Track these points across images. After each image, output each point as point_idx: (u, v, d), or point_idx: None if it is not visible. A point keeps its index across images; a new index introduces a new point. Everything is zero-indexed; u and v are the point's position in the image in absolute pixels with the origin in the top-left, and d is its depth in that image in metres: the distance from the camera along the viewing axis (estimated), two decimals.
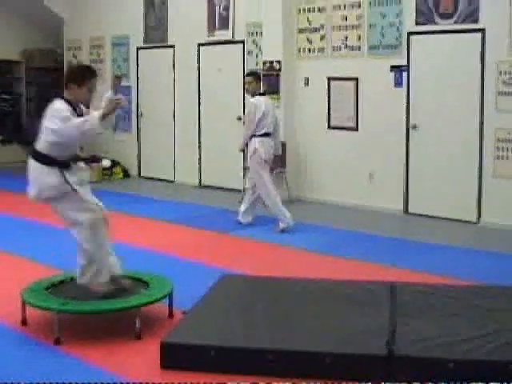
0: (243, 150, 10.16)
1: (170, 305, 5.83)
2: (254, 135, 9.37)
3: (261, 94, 9.63)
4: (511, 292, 6.02)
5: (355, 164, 10.83)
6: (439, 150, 9.92)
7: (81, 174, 5.96)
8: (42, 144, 5.60)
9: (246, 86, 9.70)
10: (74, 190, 5.63)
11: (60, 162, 5.63)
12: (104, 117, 5.43)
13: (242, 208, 9.74)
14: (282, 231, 9.26)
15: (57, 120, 5.43)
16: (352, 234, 9.20)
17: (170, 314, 5.83)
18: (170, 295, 5.78)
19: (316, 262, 7.86)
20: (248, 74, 9.87)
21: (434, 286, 6.19)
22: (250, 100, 9.54)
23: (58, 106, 5.53)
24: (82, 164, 6.07)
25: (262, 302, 5.78)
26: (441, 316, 5.28)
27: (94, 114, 5.48)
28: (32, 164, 5.72)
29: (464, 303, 5.54)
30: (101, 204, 5.92)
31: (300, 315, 5.44)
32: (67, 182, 5.61)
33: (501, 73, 9.29)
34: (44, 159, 5.61)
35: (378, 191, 10.59)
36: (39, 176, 5.68)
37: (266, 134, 9.41)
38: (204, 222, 9.94)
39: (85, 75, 5.71)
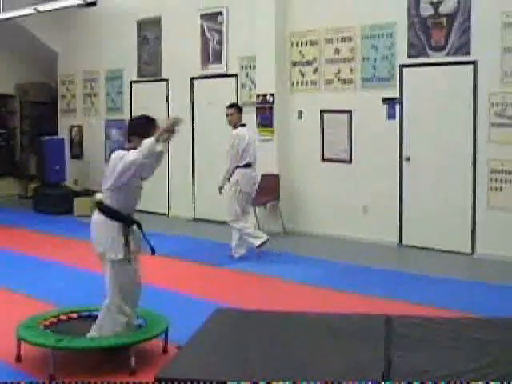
0: (222, 187, 9.78)
1: (165, 340, 5.80)
2: (236, 166, 9.50)
3: (242, 126, 9.72)
4: (507, 324, 6.00)
5: (349, 196, 10.84)
6: (433, 181, 9.94)
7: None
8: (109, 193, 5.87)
9: (228, 118, 9.76)
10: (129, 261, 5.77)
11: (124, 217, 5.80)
12: (159, 138, 5.49)
13: (233, 243, 9.75)
14: (231, 257, 9.65)
15: (130, 155, 5.51)
16: (346, 267, 9.18)
17: (165, 350, 5.79)
18: (165, 331, 5.75)
19: (310, 295, 7.84)
20: (229, 106, 9.93)
21: (430, 318, 6.15)
22: (234, 132, 9.62)
23: (123, 152, 5.61)
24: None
25: (257, 335, 5.74)
26: (437, 348, 5.25)
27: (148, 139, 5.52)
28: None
29: (460, 335, 5.51)
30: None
31: (295, 349, 5.40)
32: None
33: (493, 104, 9.34)
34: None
35: (372, 223, 10.59)
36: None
37: (248, 165, 9.56)
38: (198, 255, 9.91)
39: (149, 128, 5.69)
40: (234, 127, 9.65)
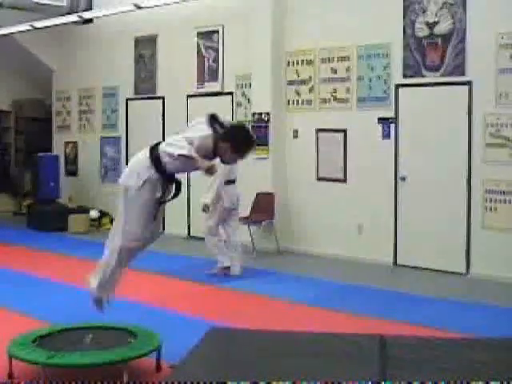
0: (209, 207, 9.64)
1: (158, 358, 5.76)
2: None
3: None
4: (502, 344, 5.98)
5: (344, 216, 10.84)
6: (428, 201, 9.94)
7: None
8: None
9: None
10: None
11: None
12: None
13: (232, 262, 9.78)
14: (222, 269, 9.72)
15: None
16: (341, 286, 9.16)
17: (158, 368, 5.76)
18: (158, 349, 5.71)
19: (305, 314, 7.81)
20: None
21: (424, 338, 6.13)
22: None
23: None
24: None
25: (251, 355, 5.71)
26: (431, 369, 5.23)
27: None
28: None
29: (455, 356, 5.49)
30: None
31: (288, 368, 5.37)
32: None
33: (488, 125, 9.37)
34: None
35: (367, 243, 10.58)
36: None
37: (232, 181, 9.63)
38: (193, 273, 9.88)
39: (246, 148, 5.76)
40: None
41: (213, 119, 5.70)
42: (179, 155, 5.47)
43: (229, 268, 9.73)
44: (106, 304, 6.05)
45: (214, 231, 9.75)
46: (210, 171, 5.63)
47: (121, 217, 5.85)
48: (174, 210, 13.11)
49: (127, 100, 14.26)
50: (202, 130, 5.65)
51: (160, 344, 5.75)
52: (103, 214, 14.32)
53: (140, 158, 5.89)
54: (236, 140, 5.67)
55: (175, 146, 5.52)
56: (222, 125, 5.70)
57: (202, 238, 12.34)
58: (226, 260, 9.74)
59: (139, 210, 5.78)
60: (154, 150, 5.78)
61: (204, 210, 9.59)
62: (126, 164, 13.56)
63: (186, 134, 5.66)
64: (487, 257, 9.44)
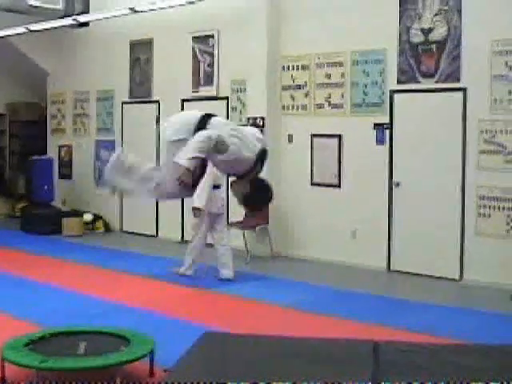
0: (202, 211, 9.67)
1: (151, 362, 5.75)
2: None
3: None
4: (495, 351, 5.99)
5: (338, 221, 10.84)
6: (422, 207, 9.96)
7: None
8: None
9: None
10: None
11: None
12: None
13: (219, 264, 9.87)
14: (177, 273, 9.90)
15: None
16: (335, 291, 9.16)
17: (151, 373, 5.75)
18: (151, 353, 5.71)
19: (298, 320, 7.81)
20: None
21: (418, 344, 6.14)
22: None
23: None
24: None
25: (245, 360, 5.71)
26: (425, 375, 5.23)
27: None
28: None
29: (448, 362, 5.50)
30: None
31: (282, 374, 5.37)
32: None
33: (482, 131, 9.39)
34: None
35: (361, 248, 10.59)
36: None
37: (218, 187, 9.79)
38: (187, 278, 9.87)
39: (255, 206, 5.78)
40: None
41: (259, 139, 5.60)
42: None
43: (187, 275, 9.90)
44: None
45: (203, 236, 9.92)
46: (183, 183, 5.12)
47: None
48: (167, 214, 13.17)
49: (122, 103, 14.25)
50: (248, 149, 5.57)
51: (153, 348, 5.74)
52: (97, 218, 14.31)
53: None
54: (254, 198, 5.66)
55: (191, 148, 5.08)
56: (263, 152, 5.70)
57: None
58: (188, 267, 9.94)
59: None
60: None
61: (195, 215, 9.58)
62: None
63: (237, 136, 5.44)
64: (480, 263, 9.45)
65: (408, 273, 10.04)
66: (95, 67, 14.68)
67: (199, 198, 9.27)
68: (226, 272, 9.79)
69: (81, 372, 5.52)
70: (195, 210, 9.46)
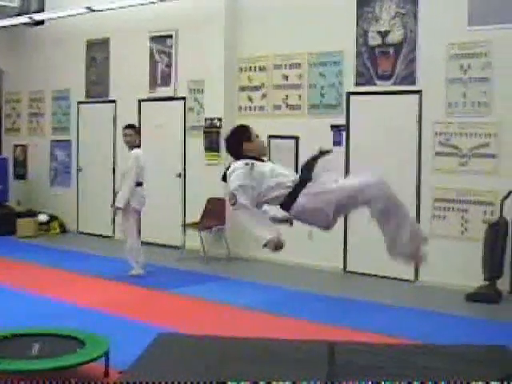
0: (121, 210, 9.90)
1: (107, 364, 5.71)
2: None
3: (137, 146, 10.10)
4: (448, 351, 6.04)
5: (295, 222, 10.83)
6: None
7: None
8: None
9: (128, 139, 10.02)
10: None
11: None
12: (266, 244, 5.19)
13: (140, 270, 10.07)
14: (132, 276, 9.89)
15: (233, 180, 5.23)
16: (291, 293, 9.18)
17: (106, 374, 5.70)
18: (106, 354, 5.66)
19: (255, 321, 7.81)
20: (128, 127, 10.18)
21: (373, 344, 6.18)
22: (133, 152, 9.92)
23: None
24: None
25: (200, 361, 5.69)
26: (380, 375, 5.26)
27: (266, 235, 5.23)
28: None
29: (403, 362, 5.53)
30: None
31: (237, 375, 5.37)
32: None
33: (437, 134, 9.49)
34: None
35: (317, 249, 10.62)
36: None
37: (140, 184, 9.91)
38: (142, 279, 9.82)
39: (246, 129, 5.62)
40: (132, 148, 9.97)
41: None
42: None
43: (141, 275, 9.97)
44: None
45: (134, 233, 10.04)
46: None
47: None
48: None
49: (78, 103, 14.13)
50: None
51: (108, 350, 5.70)
52: (52, 218, 14.17)
53: None
54: (240, 136, 5.61)
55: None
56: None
57: (153, 243, 12.31)
58: (137, 267, 10.00)
59: None
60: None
61: (115, 213, 10.07)
62: (77, 167, 13.45)
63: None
64: (435, 264, 9.51)
65: (364, 274, 10.10)
66: (51, 66, 14.53)
67: (121, 198, 9.74)
68: (140, 271, 10.06)
69: (34, 374, 5.45)
70: (116, 209, 9.90)
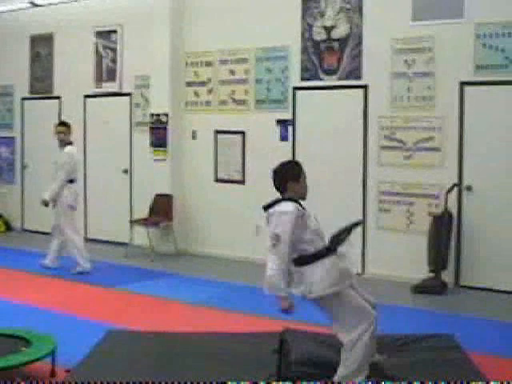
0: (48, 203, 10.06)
1: (53, 363, 5.64)
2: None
3: (70, 144, 10.15)
4: (393, 339, 6.12)
5: (242, 217, 10.88)
6: (323, 202, 10.05)
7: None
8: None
9: (62, 136, 10.08)
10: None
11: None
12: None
13: (52, 254, 10.21)
14: (80, 273, 9.87)
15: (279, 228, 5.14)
16: (239, 287, 9.19)
17: (53, 373, 5.63)
18: (52, 353, 5.60)
19: (203, 316, 7.79)
20: (60, 124, 10.30)
21: (323, 335, 6.24)
22: (66, 150, 10.01)
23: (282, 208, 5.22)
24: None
25: (149, 357, 5.69)
26: (330, 366, 5.31)
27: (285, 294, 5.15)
28: None
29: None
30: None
31: (186, 369, 5.38)
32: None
33: (382, 128, 9.58)
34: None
35: (265, 244, 10.62)
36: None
37: (72, 181, 10.04)
38: (89, 276, 9.75)
39: (299, 170, 5.46)
40: (64, 145, 10.04)
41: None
42: None
43: (86, 270, 9.98)
44: None
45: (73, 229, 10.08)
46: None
47: None
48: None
49: (22, 99, 13.94)
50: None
51: (55, 348, 5.63)
52: None
53: None
54: (289, 173, 5.48)
55: None
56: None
57: (100, 240, 12.22)
58: (83, 263, 10.00)
59: None
60: None
61: (45, 205, 10.03)
62: (22, 164, 13.21)
63: None
64: (382, 257, 9.64)
65: None
66: None
67: (49, 191, 9.89)
68: (56, 265, 10.18)
69: None
70: (43, 200, 10.00)
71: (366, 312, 5.08)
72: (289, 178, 5.35)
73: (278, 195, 5.41)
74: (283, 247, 5.02)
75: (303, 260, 5.11)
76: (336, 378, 4.97)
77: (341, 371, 4.96)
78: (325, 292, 5.02)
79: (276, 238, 5.07)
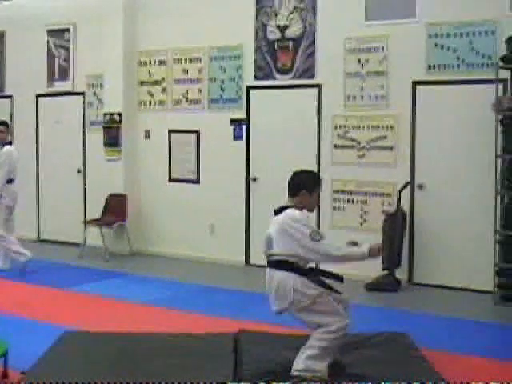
0: None
1: (5, 365, 5.57)
2: None
3: (9, 143, 10.17)
4: (352, 338, 6.16)
5: (196, 216, 10.86)
6: (279, 202, 10.06)
7: None
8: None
9: (0, 136, 10.03)
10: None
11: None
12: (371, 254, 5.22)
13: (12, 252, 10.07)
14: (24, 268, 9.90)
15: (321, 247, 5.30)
16: (194, 287, 9.17)
17: (5, 375, 5.56)
18: (4, 355, 5.52)
19: (158, 316, 7.76)
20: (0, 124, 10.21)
21: (276, 334, 6.25)
22: (4, 149, 9.95)
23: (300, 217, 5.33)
24: None
25: (105, 358, 5.65)
26: (283, 362, 5.33)
27: (363, 249, 5.25)
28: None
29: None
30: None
31: (144, 370, 5.35)
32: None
33: (336, 127, 9.64)
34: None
35: (219, 243, 10.65)
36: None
37: (11, 181, 9.96)
38: (42, 277, 9.65)
39: (317, 183, 5.51)
40: (3, 145, 9.99)
41: None
42: None
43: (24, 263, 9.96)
44: None
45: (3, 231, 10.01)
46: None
47: None
48: (22, 212, 12.77)
49: None
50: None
51: (6, 351, 5.56)
52: None
53: None
54: (305, 182, 5.63)
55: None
56: None
57: (53, 241, 12.11)
58: (21, 257, 9.98)
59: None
60: None
61: None
62: None
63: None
64: None
65: (265, 266, 10.14)
66: None
67: None
68: (6, 266, 10.11)
69: None
70: None
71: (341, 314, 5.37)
72: (304, 187, 5.50)
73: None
74: (325, 235, 5.35)
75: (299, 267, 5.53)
76: (302, 358, 5.13)
77: (307, 353, 5.12)
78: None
79: (317, 233, 5.38)
